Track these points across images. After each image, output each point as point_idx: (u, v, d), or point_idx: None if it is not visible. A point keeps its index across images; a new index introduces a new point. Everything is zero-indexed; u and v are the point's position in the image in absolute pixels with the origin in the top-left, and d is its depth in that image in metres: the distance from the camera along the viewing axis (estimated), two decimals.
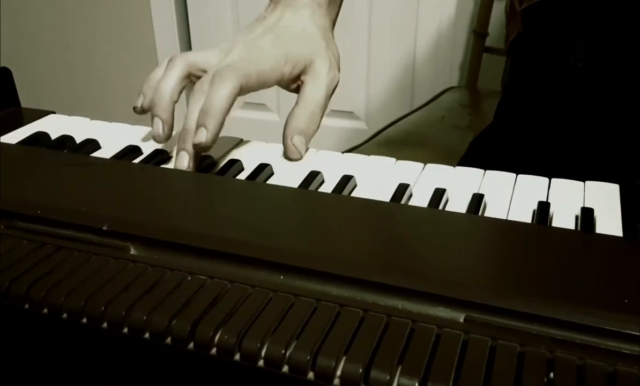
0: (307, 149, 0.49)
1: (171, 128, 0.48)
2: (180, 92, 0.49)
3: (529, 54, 0.67)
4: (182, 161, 0.45)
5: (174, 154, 0.48)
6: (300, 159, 0.48)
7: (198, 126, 0.45)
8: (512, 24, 0.69)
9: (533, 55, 0.66)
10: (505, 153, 0.67)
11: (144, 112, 0.50)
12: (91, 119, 0.56)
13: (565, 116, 0.62)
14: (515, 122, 0.69)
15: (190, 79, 0.50)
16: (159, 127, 0.47)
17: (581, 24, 0.58)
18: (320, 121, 0.51)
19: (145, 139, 0.51)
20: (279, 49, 0.50)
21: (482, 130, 0.78)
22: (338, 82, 0.53)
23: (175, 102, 0.48)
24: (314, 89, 0.51)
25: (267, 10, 0.55)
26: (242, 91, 0.46)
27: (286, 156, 0.48)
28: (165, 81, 0.48)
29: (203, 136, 0.44)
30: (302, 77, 0.51)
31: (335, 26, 0.59)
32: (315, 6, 0.55)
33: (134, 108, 0.50)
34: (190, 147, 0.45)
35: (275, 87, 0.51)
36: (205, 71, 0.49)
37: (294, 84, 0.52)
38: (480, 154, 0.73)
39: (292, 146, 0.47)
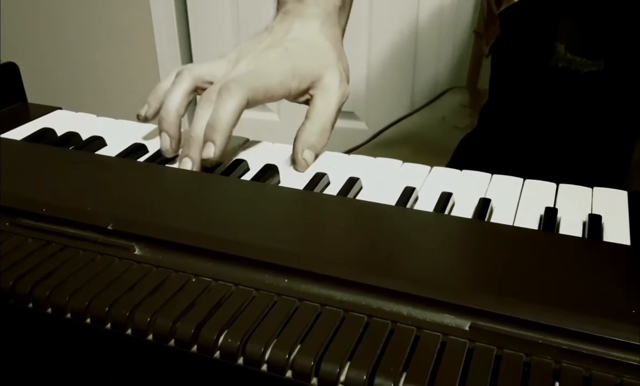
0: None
1: (178, 142, 0.48)
2: (187, 106, 0.49)
3: (509, 57, 0.67)
4: (184, 167, 0.46)
5: (179, 152, 0.48)
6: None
7: (206, 141, 0.45)
8: (491, 28, 0.68)
9: (513, 58, 0.66)
10: (489, 156, 0.67)
11: (146, 121, 0.51)
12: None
13: (547, 117, 0.62)
14: (498, 125, 0.69)
15: (197, 92, 0.50)
16: (167, 143, 0.48)
17: (559, 24, 0.58)
18: (330, 136, 0.50)
19: (151, 137, 0.51)
20: (287, 63, 0.49)
21: (466, 134, 0.78)
22: (348, 96, 0.52)
23: (182, 116, 0.49)
24: (325, 103, 0.50)
25: (276, 20, 0.54)
26: (249, 104, 0.46)
27: (294, 168, 0.48)
28: (172, 96, 0.48)
29: (211, 151, 0.45)
30: (312, 91, 0.51)
31: None
32: (325, 16, 0.53)
33: (138, 116, 0.51)
34: (194, 155, 0.46)
35: None
36: (212, 83, 0.49)
37: (302, 97, 0.51)
38: (466, 158, 0.73)
39: (303, 160, 0.47)
